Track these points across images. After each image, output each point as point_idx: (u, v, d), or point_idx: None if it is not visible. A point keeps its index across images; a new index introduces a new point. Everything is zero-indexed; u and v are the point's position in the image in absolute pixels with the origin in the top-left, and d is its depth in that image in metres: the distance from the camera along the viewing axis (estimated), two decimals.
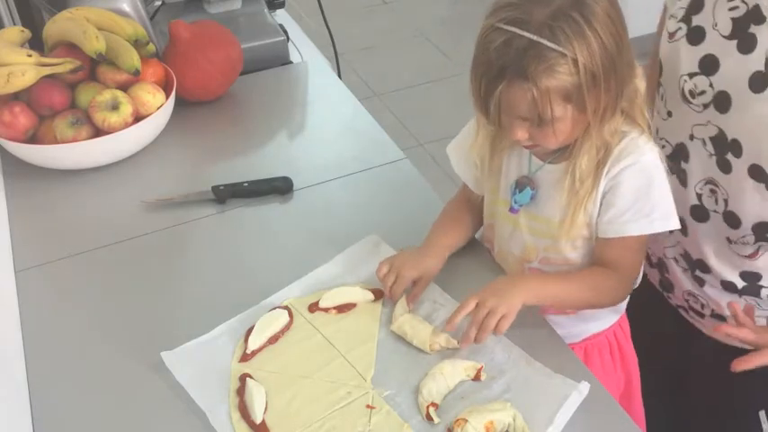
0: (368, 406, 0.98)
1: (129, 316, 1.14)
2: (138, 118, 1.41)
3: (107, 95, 1.39)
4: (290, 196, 1.37)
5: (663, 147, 1.12)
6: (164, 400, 1.01)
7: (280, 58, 1.74)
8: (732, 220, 1.06)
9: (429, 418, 0.95)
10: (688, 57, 1.06)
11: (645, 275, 1.19)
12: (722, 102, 1.02)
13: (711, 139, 1.05)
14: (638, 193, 1.00)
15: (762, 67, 0.98)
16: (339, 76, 1.78)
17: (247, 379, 1.01)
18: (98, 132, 1.39)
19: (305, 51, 1.79)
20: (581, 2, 0.91)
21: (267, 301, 1.13)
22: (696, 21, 1.05)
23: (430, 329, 1.05)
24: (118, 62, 1.42)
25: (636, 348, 1.24)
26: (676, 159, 1.11)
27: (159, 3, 1.74)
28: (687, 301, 1.20)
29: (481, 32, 0.94)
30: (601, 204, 1.03)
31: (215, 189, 1.35)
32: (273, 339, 1.07)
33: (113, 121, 1.37)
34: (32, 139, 1.40)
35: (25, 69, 1.35)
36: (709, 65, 1.03)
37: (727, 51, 1.01)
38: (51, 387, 1.04)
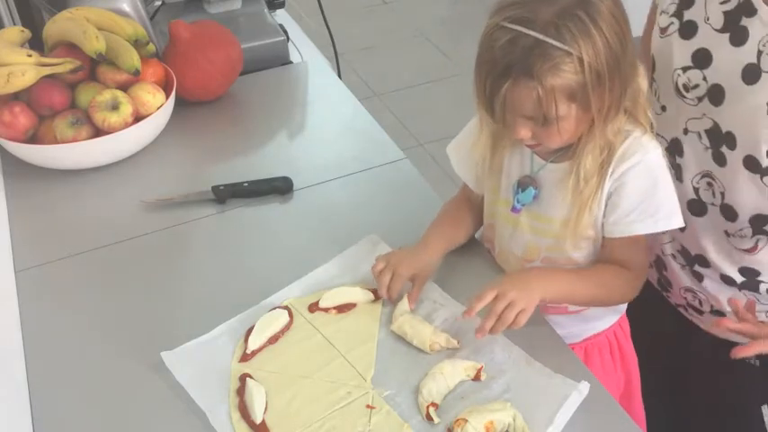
0: (368, 406, 0.98)
1: (129, 316, 1.14)
2: (138, 118, 1.41)
3: (107, 95, 1.39)
4: (290, 196, 1.37)
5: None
6: (164, 400, 1.01)
7: (280, 58, 1.74)
8: (729, 212, 1.06)
9: (429, 418, 0.95)
10: (681, 51, 1.06)
11: None
12: (716, 95, 1.03)
13: (706, 132, 1.05)
14: (644, 192, 1.01)
15: (754, 59, 0.98)
16: (339, 76, 1.78)
17: (247, 379, 1.01)
18: (98, 132, 1.39)
19: (305, 51, 1.79)
20: (586, 1, 0.91)
21: (267, 301, 1.13)
22: (688, 15, 1.06)
23: (430, 329, 1.05)
24: (118, 62, 1.42)
25: (636, 348, 1.25)
26: (671, 154, 1.11)
27: (159, 3, 1.74)
28: (685, 298, 1.20)
29: (486, 31, 0.94)
30: (606, 204, 1.03)
31: (215, 189, 1.35)
32: (273, 339, 1.07)
33: (113, 121, 1.37)
34: (32, 139, 1.40)
35: (25, 69, 1.35)
36: (702, 58, 1.04)
37: (719, 44, 1.02)
38: (51, 387, 1.04)
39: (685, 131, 1.09)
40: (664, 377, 1.31)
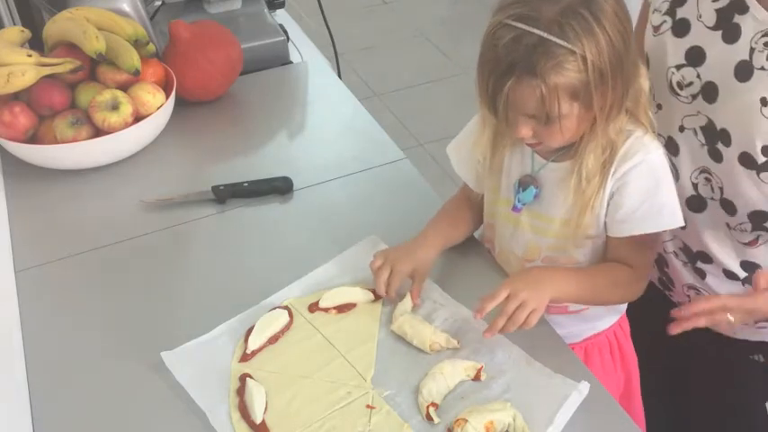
0: (368, 406, 0.98)
1: (129, 316, 1.14)
2: (138, 118, 1.41)
3: (107, 95, 1.39)
4: (290, 196, 1.37)
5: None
6: (164, 400, 1.01)
7: (280, 58, 1.74)
8: (728, 207, 1.07)
9: (429, 418, 0.95)
10: (674, 49, 1.07)
11: None
12: (710, 92, 1.03)
13: (702, 128, 1.06)
14: (647, 192, 1.01)
15: (746, 56, 0.99)
16: (339, 76, 1.78)
17: (247, 379, 1.01)
18: (98, 132, 1.38)
19: (305, 51, 1.79)
20: None
21: (267, 301, 1.13)
22: (681, 13, 1.06)
23: (430, 329, 1.05)
24: (118, 62, 1.42)
25: (636, 348, 1.25)
26: (667, 153, 1.11)
27: (159, 3, 1.74)
28: (688, 296, 1.20)
29: (489, 29, 0.94)
30: (608, 204, 1.03)
31: (215, 189, 1.35)
32: (273, 339, 1.07)
33: (113, 121, 1.37)
34: (32, 139, 1.40)
35: (25, 69, 1.35)
36: (695, 56, 1.04)
37: (712, 42, 1.02)
38: (51, 387, 1.04)
39: (681, 129, 1.09)
40: (664, 377, 1.31)
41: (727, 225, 1.09)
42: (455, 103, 3.11)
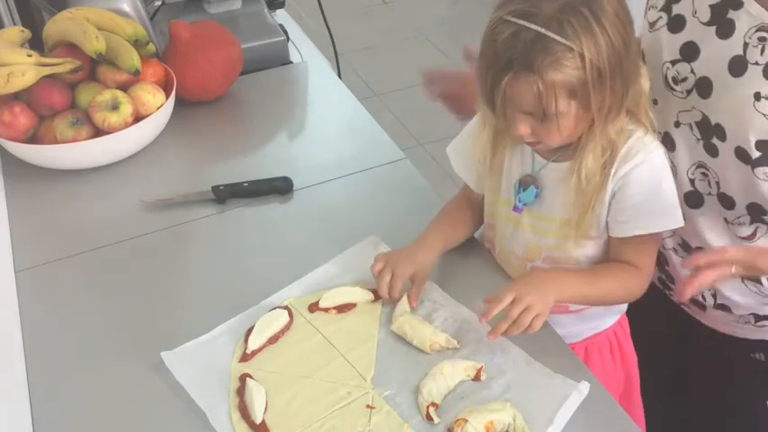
0: (368, 406, 0.98)
1: (129, 316, 1.14)
2: (138, 118, 1.41)
3: (107, 95, 1.39)
4: (290, 196, 1.37)
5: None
6: (164, 400, 1.01)
7: (280, 58, 1.74)
8: (726, 201, 1.07)
9: (429, 418, 0.95)
10: (669, 45, 1.07)
11: None
12: (704, 87, 1.03)
13: (697, 123, 1.06)
14: (648, 192, 1.01)
15: (740, 51, 0.99)
16: (339, 76, 1.78)
17: (247, 379, 1.01)
18: (98, 132, 1.38)
19: (305, 51, 1.79)
20: None
21: (267, 301, 1.13)
22: (676, 9, 1.07)
23: (430, 329, 1.05)
24: (118, 62, 1.42)
25: (636, 348, 1.25)
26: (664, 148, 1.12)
27: (159, 3, 1.74)
28: None
29: (489, 25, 0.94)
30: (609, 204, 1.03)
31: (215, 189, 1.35)
32: (273, 339, 1.07)
33: (113, 121, 1.37)
34: (32, 139, 1.40)
35: (25, 69, 1.35)
36: (690, 51, 1.05)
37: (706, 37, 1.03)
38: (51, 387, 1.04)
39: (677, 124, 1.09)
40: (664, 377, 1.31)
41: (725, 220, 1.09)
42: None
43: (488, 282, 1.15)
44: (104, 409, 1.01)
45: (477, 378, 1.00)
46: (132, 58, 1.41)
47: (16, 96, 1.40)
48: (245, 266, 1.22)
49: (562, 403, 0.95)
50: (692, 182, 1.10)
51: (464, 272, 1.18)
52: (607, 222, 1.05)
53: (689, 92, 1.06)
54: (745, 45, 0.98)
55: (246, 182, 1.36)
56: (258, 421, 0.96)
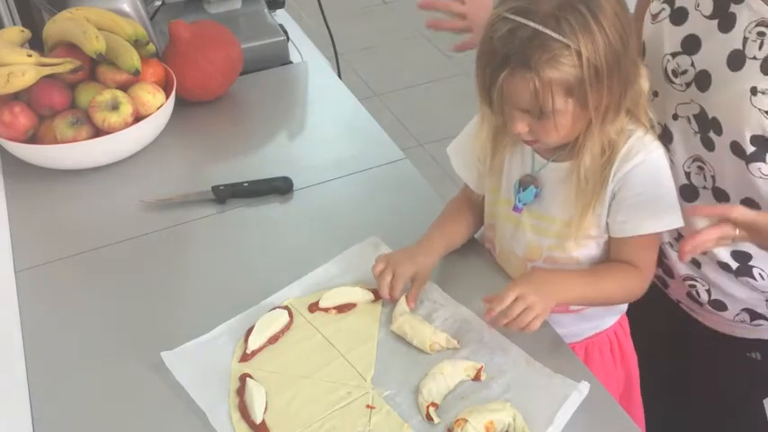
0: (368, 406, 0.98)
1: (129, 316, 1.14)
2: (138, 118, 1.41)
3: (107, 95, 1.39)
4: (290, 196, 1.37)
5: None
6: (164, 400, 1.01)
7: (280, 58, 1.74)
8: (721, 195, 1.07)
9: (429, 418, 0.95)
10: (671, 37, 1.07)
11: None
12: (703, 80, 1.04)
13: (695, 117, 1.06)
14: (648, 192, 1.01)
15: (740, 46, 0.99)
16: (339, 76, 1.78)
17: (247, 379, 1.01)
18: (98, 132, 1.38)
19: (305, 51, 1.79)
20: None
21: (267, 301, 1.13)
22: (679, 2, 1.07)
23: (430, 329, 1.05)
24: (118, 62, 1.42)
25: (636, 348, 1.25)
26: (662, 140, 1.12)
27: (159, 3, 1.74)
28: (685, 287, 1.20)
29: (488, 22, 0.95)
30: (610, 204, 1.03)
31: (215, 189, 1.35)
32: (273, 339, 1.07)
33: (113, 121, 1.37)
34: (32, 139, 1.40)
35: (25, 69, 1.35)
36: (691, 44, 1.05)
37: (708, 31, 1.03)
38: (51, 387, 1.04)
39: (675, 117, 1.09)
40: (664, 377, 1.31)
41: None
42: (455, 103, 3.11)
43: (488, 282, 1.15)
44: (104, 409, 1.01)
45: (477, 378, 1.00)
46: (132, 58, 1.41)
47: (16, 96, 1.40)
48: (245, 266, 1.22)
49: (562, 403, 0.95)
50: (687, 175, 1.10)
51: (464, 272, 1.18)
52: (607, 222, 1.05)
53: (688, 85, 1.06)
54: (745, 39, 0.98)
55: (246, 182, 1.36)
56: (258, 421, 0.96)
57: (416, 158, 2.14)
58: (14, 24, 1.60)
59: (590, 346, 1.20)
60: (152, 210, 1.34)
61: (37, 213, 1.35)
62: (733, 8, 1.00)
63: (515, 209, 1.09)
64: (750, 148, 0.99)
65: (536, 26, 0.90)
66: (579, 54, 0.90)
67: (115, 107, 1.38)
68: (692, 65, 1.05)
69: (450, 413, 0.96)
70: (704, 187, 1.09)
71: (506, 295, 0.99)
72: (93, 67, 1.45)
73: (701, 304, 1.19)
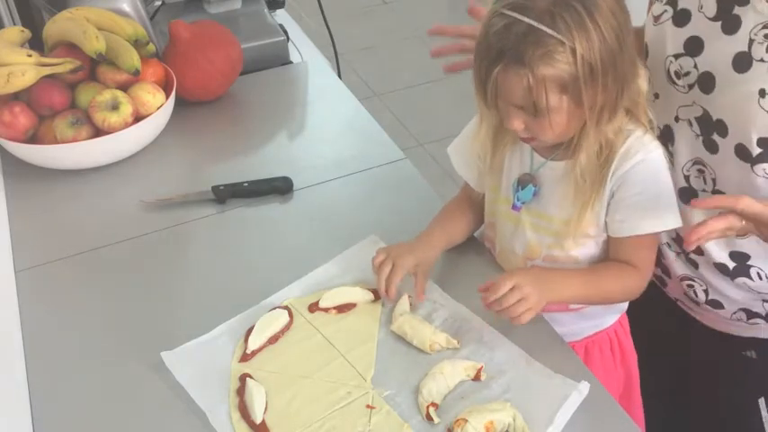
0: (368, 406, 0.98)
1: (129, 316, 1.14)
2: (138, 118, 1.41)
3: (107, 95, 1.39)
4: (290, 196, 1.37)
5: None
6: (164, 400, 1.01)
7: (280, 58, 1.74)
8: None
9: (429, 418, 0.95)
10: (674, 38, 1.07)
11: None
12: (706, 82, 1.03)
13: (697, 119, 1.06)
14: (647, 191, 1.01)
15: (745, 48, 0.99)
16: (339, 76, 1.78)
17: (247, 379, 1.01)
18: (98, 132, 1.39)
19: (305, 51, 1.79)
20: None
21: (267, 301, 1.13)
22: (682, 3, 1.07)
23: (430, 329, 1.05)
24: (118, 62, 1.42)
25: (635, 347, 1.25)
26: (663, 142, 1.12)
27: (159, 3, 1.74)
28: (683, 287, 1.20)
29: (485, 18, 0.95)
30: (608, 204, 1.03)
31: (215, 189, 1.35)
32: (273, 339, 1.07)
33: (113, 121, 1.37)
34: (32, 139, 1.40)
35: (25, 69, 1.35)
36: (694, 46, 1.05)
37: (711, 33, 1.02)
38: (51, 387, 1.04)
39: (677, 119, 1.09)
40: (663, 377, 1.31)
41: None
42: (455, 103, 3.11)
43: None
44: (104, 409, 1.01)
45: (477, 378, 1.00)
46: (132, 58, 1.41)
47: (16, 96, 1.40)
48: (245, 266, 1.22)
49: (562, 403, 0.95)
50: (687, 178, 1.10)
51: (464, 272, 1.18)
52: (606, 222, 1.05)
53: (690, 86, 1.06)
54: (751, 41, 0.98)
55: (246, 182, 1.36)
56: (258, 421, 0.96)
57: (416, 158, 2.14)
58: (14, 24, 1.60)
59: (590, 344, 1.20)
60: (152, 210, 1.34)
61: (37, 213, 1.36)
62: (737, 10, 1.00)
63: (514, 207, 1.09)
64: (756, 150, 0.99)
65: (531, 22, 0.90)
66: (574, 51, 0.90)
67: (115, 107, 1.38)
68: (695, 66, 1.04)
69: (450, 413, 0.96)
70: (703, 190, 1.09)
71: (503, 284, 0.99)
72: (93, 67, 1.45)
73: (698, 303, 1.20)
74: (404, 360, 1.04)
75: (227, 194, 1.35)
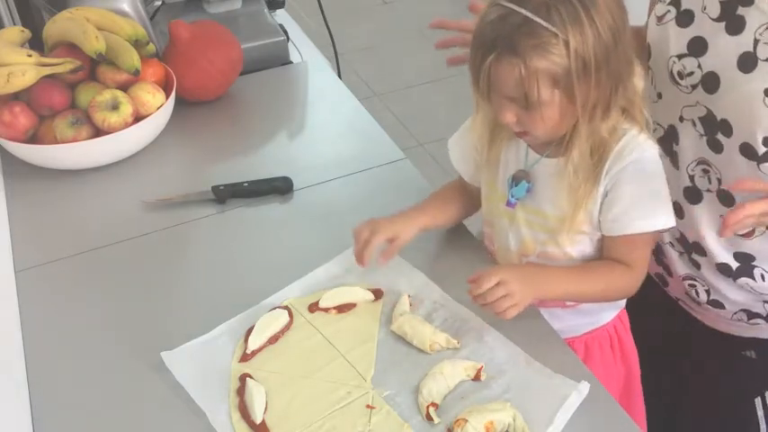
0: (368, 406, 0.98)
1: (129, 316, 1.14)
2: (138, 118, 1.41)
3: (107, 95, 1.39)
4: (290, 196, 1.37)
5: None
6: (164, 400, 1.01)
7: (280, 58, 1.74)
8: (726, 198, 1.07)
9: (429, 418, 0.95)
10: (677, 39, 1.07)
11: None
12: (710, 82, 1.04)
13: (701, 119, 1.06)
14: (641, 190, 1.01)
15: (750, 48, 0.99)
16: (339, 76, 1.78)
17: (247, 379, 1.01)
18: (98, 132, 1.39)
19: (305, 51, 1.79)
20: None
21: (267, 301, 1.13)
22: (685, 4, 1.07)
23: (430, 329, 1.05)
24: (118, 62, 1.42)
25: (636, 346, 1.25)
26: (668, 141, 1.12)
27: (159, 3, 1.74)
28: (684, 287, 1.20)
29: (483, 9, 0.96)
30: (602, 202, 1.03)
31: (215, 189, 1.35)
32: (273, 339, 1.07)
33: (113, 121, 1.37)
34: (32, 139, 1.40)
35: (25, 69, 1.35)
36: (697, 46, 1.05)
37: (715, 33, 1.03)
38: (51, 387, 1.04)
39: (681, 119, 1.10)
40: (664, 376, 1.31)
41: (722, 218, 1.09)
42: (455, 103, 3.10)
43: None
44: (104, 409, 1.01)
45: (477, 378, 1.00)
46: (132, 58, 1.41)
47: (16, 96, 1.40)
48: (245, 266, 1.22)
49: (562, 403, 0.95)
50: (691, 178, 1.10)
51: (464, 272, 1.17)
52: (599, 220, 1.05)
53: (694, 87, 1.06)
54: (756, 42, 0.98)
55: (246, 182, 1.36)
56: (258, 421, 0.96)
57: (416, 158, 2.13)
58: (14, 24, 1.60)
59: (590, 341, 1.20)
60: (152, 210, 1.34)
61: (37, 213, 1.36)
62: (741, 10, 1.00)
63: (508, 204, 1.10)
64: (762, 149, 0.99)
65: (526, 13, 0.90)
66: (567, 44, 0.90)
67: (115, 107, 1.38)
68: (699, 67, 1.04)
69: (450, 413, 0.96)
70: (708, 190, 1.09)
71: (489, 279, 0.99)
72: (93, 67, 1.45)
73: (699, 303, 1.20)
74: (404, 360, 1.04)
75: (227, 194, 1.35)
